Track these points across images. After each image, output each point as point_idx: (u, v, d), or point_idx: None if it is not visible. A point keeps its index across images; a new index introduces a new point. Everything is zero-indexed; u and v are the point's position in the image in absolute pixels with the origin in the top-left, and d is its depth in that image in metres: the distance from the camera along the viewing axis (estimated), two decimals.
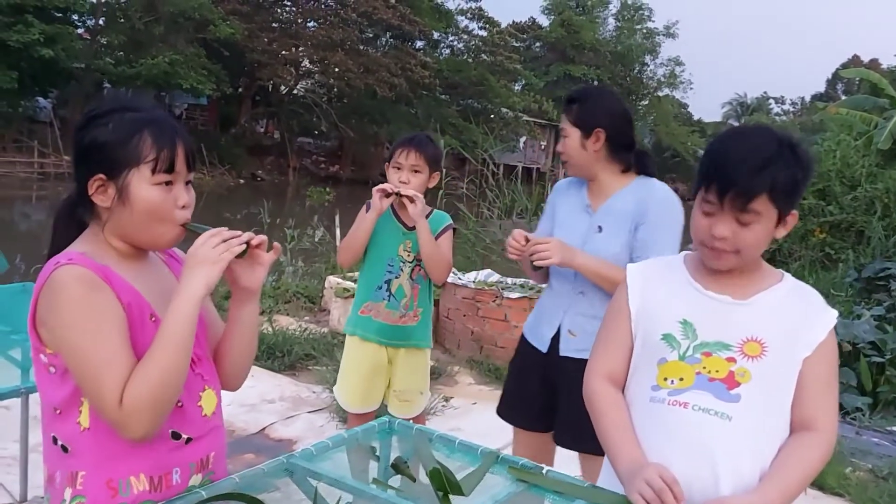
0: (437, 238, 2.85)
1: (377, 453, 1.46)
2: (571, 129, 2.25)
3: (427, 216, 2.84)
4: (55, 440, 1.29)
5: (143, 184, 1.29)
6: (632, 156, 2.27)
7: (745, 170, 1.36)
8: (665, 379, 1.46)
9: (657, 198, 2.23)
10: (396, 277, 2.80)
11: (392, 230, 2.81)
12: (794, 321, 1.45)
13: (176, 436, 1.34)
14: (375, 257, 2.82)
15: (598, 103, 2.26)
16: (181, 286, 1.27)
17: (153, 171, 1.29)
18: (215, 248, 1.28)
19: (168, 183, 1.31)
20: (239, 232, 1.33)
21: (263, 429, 3.89)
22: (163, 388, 1.22)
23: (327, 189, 23.87)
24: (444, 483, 1.28)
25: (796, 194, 1.41)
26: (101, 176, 1.29)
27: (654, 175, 2.31)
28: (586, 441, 1.86)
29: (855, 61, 46.77)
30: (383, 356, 2.84)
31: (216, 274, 1.28)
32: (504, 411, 2.50)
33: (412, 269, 2.81)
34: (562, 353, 2.27)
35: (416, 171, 2.76)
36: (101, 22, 26.94)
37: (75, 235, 1.34)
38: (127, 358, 1.23)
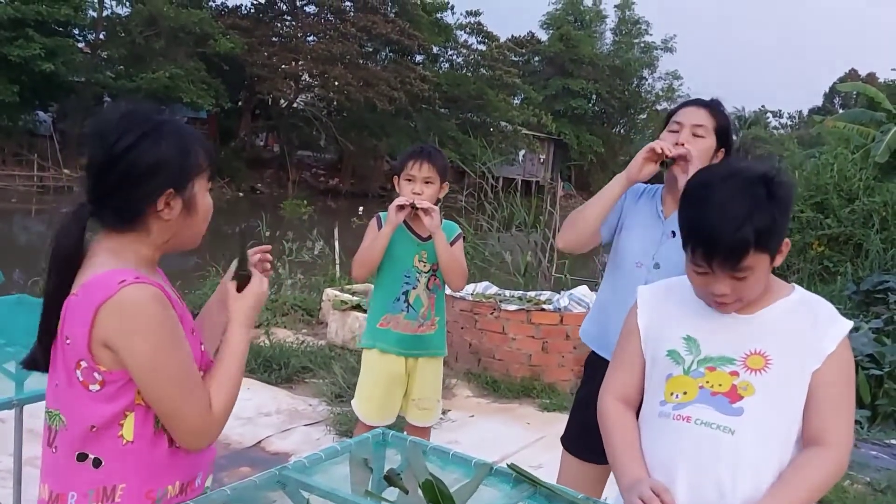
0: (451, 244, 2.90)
1: (370, 465, 1.45)
2: (712, 135, 2.08)
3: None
4: (83, 456, 1.29)
5: (203, 192, 1.38)
6: None
7: (724, 235, 1.34)
8: (671, 394, 1.48)
9: None
10: (414, 288, 2.84)
11: (406, 242, 2.84)
12: (800, 333, 1.44)
13: None
14: (391, 269, 2.85)
15: (731, 125, 2.16)
16: (245, 315, 1.44)
17: (209, 180, 1.39)
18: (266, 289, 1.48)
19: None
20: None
21: (259, 442, 3.87)
22: (234, 400, 1.38)
23: (304, 201, 23.49)
24: (436, 495, 1.27)
25: (782, 231, 1.40)
26: (172, 190, 1.31)
27: None
28: None
29: (852, 75, 46.98)
30: (402, 367, 2.87)
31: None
32: (572, 443, 2.29)
33: (428, 279, 2.86)
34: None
35: (428, 182, 2.80)
36: (101, 36, 27.08)
37: (81, 258, 1.32)
38: (198, 373, 1.34)
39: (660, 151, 2.02)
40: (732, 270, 1.37)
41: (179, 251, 1.42)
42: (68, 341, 1.27)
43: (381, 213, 2.92)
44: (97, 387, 1.27)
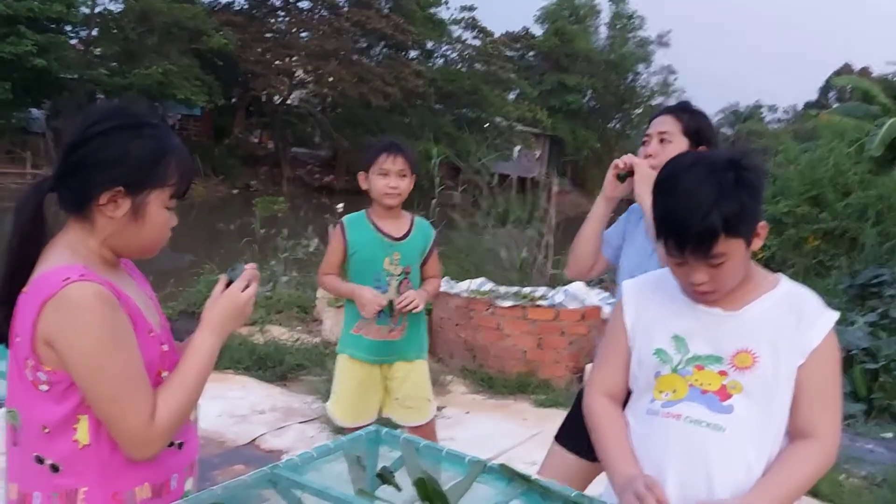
0: (430, 253, 2.85)
1: (363, 463, 1.44)
2: (680, 138, 2.11)
3: (408, 230, 2.80)
4: (40, 460, 1.27)
5: (159, 206, 1.31)
6: None
7: (692, 223, 1.34)
8: (660, 392, 1.48)
9: None
10: (384, 292, 2.73)
11: (375, 244, 2.74)
12: (784, 329, 1.43)
13: (170, 442, 1.35)
14: (360, 273, 2.76)
15: (707, 121, 2.17)
16: (214, 323, 1.36)
17: (171, 196, 1.32)
18: (250, 300, 1.40)
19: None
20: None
21: (254, 440, 3.86)
22: (189, 411, 1.33)
23: (280, 199, 23.04)
24: (429, 493, 1.26)
25: (753, 215, 1.38)
26: (121, 189, 1.27)
27: None
28: None
29: (846, 69, 46.98)
30: (376, 371, 2.81)
31: (242, 323, 1.44)
32: (568, 438, 2.29)
33: (400, 283, 2.76)
34: None
35: (402, 176, 2.72)
36: (94, 33, 26.97)
37: (41, 236, 1.31)
38: (146, 378, 1.27)
39: (622, 166, 2.10)
40: (705, 258, 1.37)
41: (128, 256, 1.38)
42: (18, 339, 1.25)
43: (344, 219, 2.83)
44: (45, 387, 1.25)
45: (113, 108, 1.32)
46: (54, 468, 1.26)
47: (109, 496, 1.28)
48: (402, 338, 2.79)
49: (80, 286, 1.20)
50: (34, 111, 26.99)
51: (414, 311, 2.73)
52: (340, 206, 9.45)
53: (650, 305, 1.55)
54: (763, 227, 1.42)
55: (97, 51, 26.87)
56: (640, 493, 1.34)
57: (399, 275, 2.76)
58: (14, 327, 1.26)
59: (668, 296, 1.53)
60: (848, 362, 5.04)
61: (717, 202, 1.32)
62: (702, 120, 2.15)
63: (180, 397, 1.29)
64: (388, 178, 2.70)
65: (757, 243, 1.42)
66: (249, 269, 1.43)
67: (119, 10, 26.84)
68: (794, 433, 1.43)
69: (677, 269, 1.44)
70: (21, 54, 21.95)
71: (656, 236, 1.43)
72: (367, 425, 2.80)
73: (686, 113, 2.14)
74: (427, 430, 2.85)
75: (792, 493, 1.38)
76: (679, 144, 2.10)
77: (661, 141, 2.12)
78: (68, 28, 26.21)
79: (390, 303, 2.71)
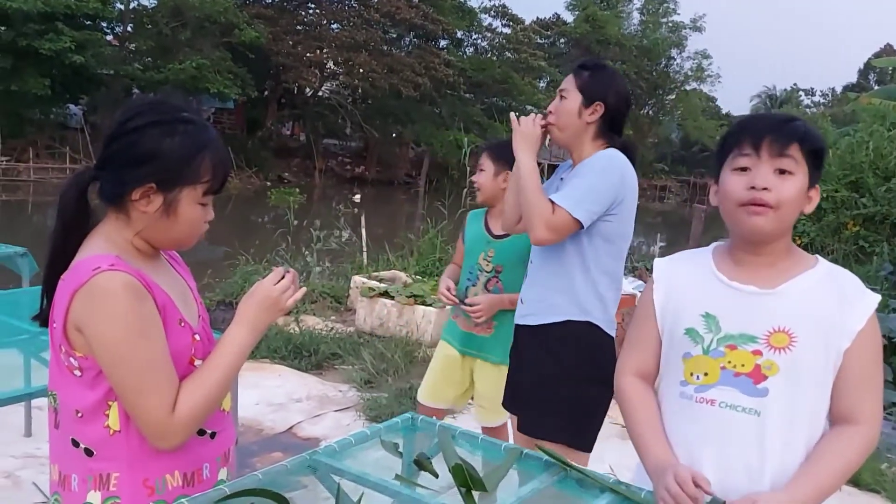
0: None
1: (400, 450, 1.46)
2: (574, 93, 2.21)
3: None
4: (76, 443, 1.30)
5: (192, 202, 1.32)
6: (618, 141, 2.24)
7: (776, 121, 1.40)
8: (691, 374, 1.44)
9: (598, 155, 2.20)
10: (473, 286, 2.82)
11: (478, 238, 2.85)
12: (826, 310, 1.38)
13: (202, 432, 1.37)
14: (466, 265, 2.89)
15: (608, 79, 2.24)
16: (247, 317, 1.38)
17: (205, 193, 1.33)
18: (284, 294, 1.41)
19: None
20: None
21: (291, 427, 3.92)
22: (214, 404, 1.33)
23: (295, 190, 22.47)
24: (466, 479, 1.27)
25: (820, 162, 1.41)
26: (153, 185, 1.29)
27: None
28: (542, 426, 2.09)
29: (887, 50, 45.75)
30: (459, 360, 2.88)
31: (278, 316, 1.43)
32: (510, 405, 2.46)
33: (488, 280, 2.79)
34: (515, 322, 2.32)
35: (480, 170, 2.87)
36: (129, 28, 27.40)
37: (84, 224, 1.34)
38: (172, 368, 1.29)
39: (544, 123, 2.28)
40: (779, 154, 1.35)
41: (163, 248, 1.40)
42: (55, 325, 1.28)
43: (470, 213, 2.97)
44: (78, 372, 1.28)
45: (150, 102, 1.33)
46: (88, 452, 1.29)
47: (140, 482, 1.30)
48: (489, 336, 2.79)
49: (108, 276, 1.22)
50: (72, 107, 27.57)
51: (476, 320, 2.75)
52: (357, 196, 9.48)
53: (681, 283, 1.51)
54: (817, 190, 1.42)
55: (132, 46, 27.30)
56: (674, 490, 1.29)
57: (489, 272, 2.79)
58: (52, 313, 1.30)
59: (701, 274, 1.49)
60: (889, 350, 4.93)
61: (799, 121, 1.41)
62: (599, 77, 2.22)
63: (205, 390, 1.30)
64: (476, 174, 2.90)
65: (809, 207, 1.42)
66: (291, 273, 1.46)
67: (153, 5, 27.23)
68: (837, 417, 1.39)
69: (737, 180, 1.38)
70: (59, 51, 22.38)
71: (722, 154, 1.43)
72: (441, 411, 2.90)
73: (585, 70, 2.22)
74: (500, 432, 2.85)
75: (835, 480, 1.35)
76: (573, 99, 2.20)
77: (561, 97, 2.23)
78: (104, 24, 26.67)
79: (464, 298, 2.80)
